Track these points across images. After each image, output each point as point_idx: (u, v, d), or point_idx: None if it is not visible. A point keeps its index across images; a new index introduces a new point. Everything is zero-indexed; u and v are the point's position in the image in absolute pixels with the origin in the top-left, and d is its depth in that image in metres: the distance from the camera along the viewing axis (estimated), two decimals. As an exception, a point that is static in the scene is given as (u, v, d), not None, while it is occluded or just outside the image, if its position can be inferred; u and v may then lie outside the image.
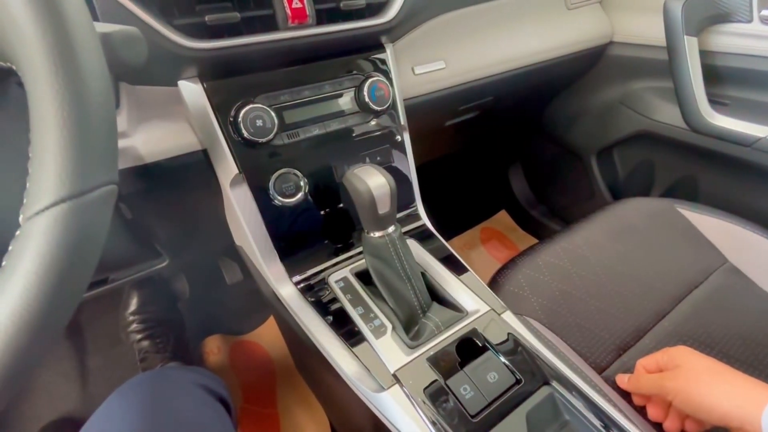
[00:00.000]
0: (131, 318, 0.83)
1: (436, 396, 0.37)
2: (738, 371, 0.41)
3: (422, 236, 0.57)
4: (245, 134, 0.43)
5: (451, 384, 0.38)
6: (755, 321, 0.59)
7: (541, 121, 1.19)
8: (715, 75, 0.80)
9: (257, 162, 0.46)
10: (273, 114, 0.45)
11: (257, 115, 0.44)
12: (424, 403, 0.37)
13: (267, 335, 1.02)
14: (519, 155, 1.39)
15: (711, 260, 0.68)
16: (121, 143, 0.41)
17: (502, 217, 1.45)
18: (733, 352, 0.55)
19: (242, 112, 0.43)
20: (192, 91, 0.43)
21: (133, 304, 0.84)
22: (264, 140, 0.45)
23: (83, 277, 0.19)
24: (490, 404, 0.37)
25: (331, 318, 0.46)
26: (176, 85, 0.42)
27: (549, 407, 0.37)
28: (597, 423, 0.36)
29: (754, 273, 0.66)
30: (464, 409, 0.36)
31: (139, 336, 0.82)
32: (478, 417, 0.36)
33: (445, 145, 1.10)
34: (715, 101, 0.79)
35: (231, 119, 0.44)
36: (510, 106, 0.99)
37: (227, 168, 0.46)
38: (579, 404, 0.37)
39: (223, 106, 0.44)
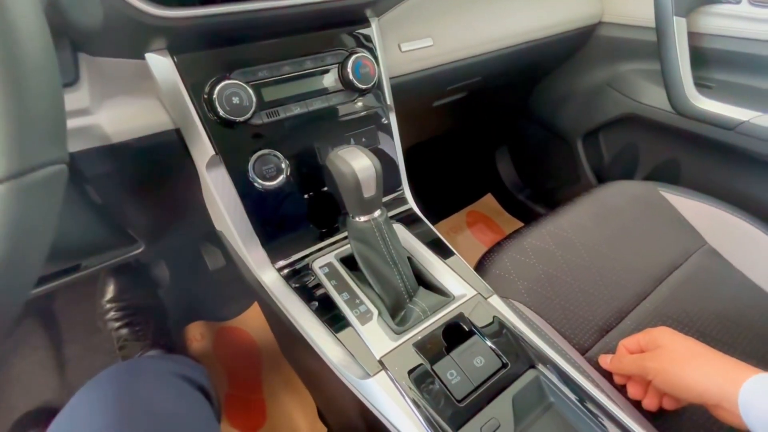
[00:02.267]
0: (108, 306, 0.80)
1: (423, 382, 0.37)
2: (717, 351, 0.42)
3: (409, 220, 0.56)
4: (221, 113, 0.41)
5: (437, 369, 0.37)
6: (730, 301, 0.61)
7: (528, 104, 1.18)
8: (702, 57, 0.79)
9: (235, 143, 0.44)
10: (251, 91, 0.42)
11: (233, 92, 0.41)
12: (411, 389, 0.36)
13: (252, 321, 1.01)
14: (506, 139, 1.39)
15: (691, 242, 0.69)
16: (84, 121, 0.38)
17: (488, 201, 1.45)
18: (709, 331, 0.57)
19: (217, 88, 0.40)
20: (161, 65, 0.39)
21: (110, 291, 0.81)
22: (241, 119, 0.42)
23: (29, 268, 0.17)
24: (476, 389, 0.36)
25: (315, 304, 0.45)
26: (143, 57, 0.39)
27: (534, 390, 0.38)
28: (579, 403, 0.37)
29: (730, 254, 0.68)
30: (451, 394, 0.36)
31: (117, 324, 0.79)
32: (465, 401, 0.35)
33: (432, 128, 1.09)
34: (700, 84, 0.79)
35: (205, 96, 0.41)
36: (498, 87, 0.97)
37: (202, 149, 0.43)
38: (563, 386, 0.38)
39: (196, 82, 0.41)
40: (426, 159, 1.19)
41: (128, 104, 0.41)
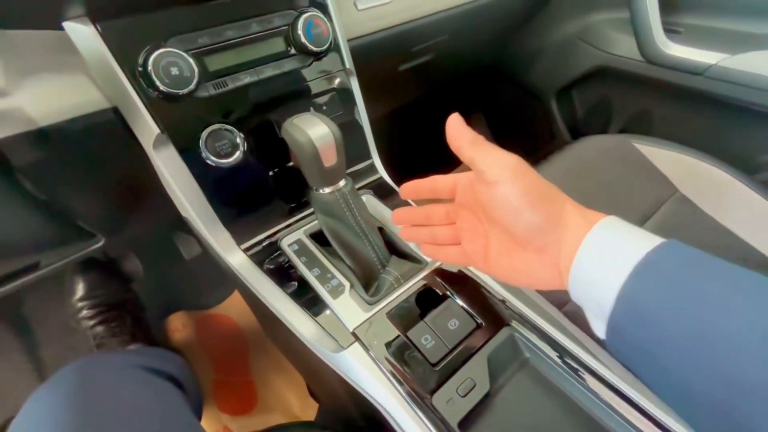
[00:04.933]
0: (79, 304, 0.77)
1: (397, 349, 0.36)
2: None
3: (380, 190, 0.54)
4: (160, 86, 0.37)
5: (411, 335, 0.37)
6: (702, 246, 0.62)
7: (500, 64, 1.15)
8: (670, 1, 0.77)
9: (181, 119, 0.41)
10: (191, 60, 0.38)
11: (171, 62, 0.37)
12: (385, 358, 0.36)
13: (235, 306, 0.99)
14: (480, 102, 1.36)
15: (662, 191, 0.70)
16: (0, 104, 0.34)
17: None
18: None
19: (151, 59, 0.36)
20: (83, 34, 0.35)
21: (80, 289, 0.77)
22: (184, 92, 0.39)
23: None
24: (451, 351, 0.36)
25: (287, 282, 0.44)
26: (62, 28, 0.35)
27: (509, 347, 0.37)
28: (554, 356, 0.37)
29: (701, 201, 0.69)
30: (425, 358, 0.35)
31: (91, 322, 0.77)
32: (440, 365, 0.35)
33: (403, 94, 1.05)
34: (670, 30, 0.78)
35: (140, 69, 0.37)
36: (467, 46, 0.94)
37: (146, 128, 0.40)
38: (538, 341, 0.38)
39: (127, 53, 0.37)
40: (399, 127, 1.16)
41: (53, 82, 0.37)
